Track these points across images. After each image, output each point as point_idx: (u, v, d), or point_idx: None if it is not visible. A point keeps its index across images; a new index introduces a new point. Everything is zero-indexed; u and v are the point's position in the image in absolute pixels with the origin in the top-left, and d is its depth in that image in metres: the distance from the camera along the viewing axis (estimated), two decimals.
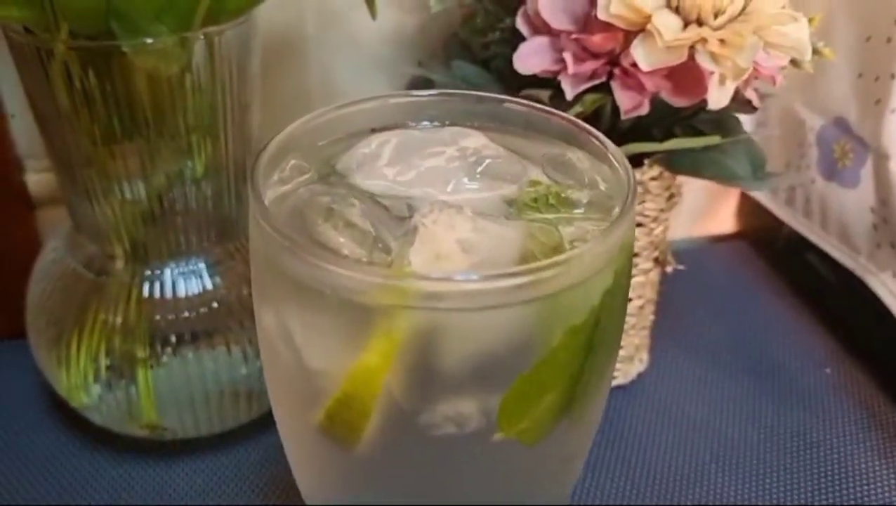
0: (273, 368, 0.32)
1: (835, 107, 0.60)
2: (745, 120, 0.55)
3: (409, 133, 0.34)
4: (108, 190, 0.49)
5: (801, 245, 0.69)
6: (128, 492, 0.54)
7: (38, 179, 0.60)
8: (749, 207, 0.76)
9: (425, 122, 0.36)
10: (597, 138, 0.33)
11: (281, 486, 0.55)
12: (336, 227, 0.29)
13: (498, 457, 0.30)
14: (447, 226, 0.29)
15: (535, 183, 0.32)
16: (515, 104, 0.36)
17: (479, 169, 0.32)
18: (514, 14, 0.49)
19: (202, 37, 0.44)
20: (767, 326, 0.69)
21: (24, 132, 0.59)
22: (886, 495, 0.55)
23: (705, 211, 0.77)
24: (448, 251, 0.28)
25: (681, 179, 0.57)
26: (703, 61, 0.43)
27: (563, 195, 0.31)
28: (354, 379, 0.28)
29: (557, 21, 0.47)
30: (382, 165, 0.33)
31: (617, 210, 0.31)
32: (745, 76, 0.44)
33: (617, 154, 0.32)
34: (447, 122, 0.36)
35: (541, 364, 0.28)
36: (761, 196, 0.70)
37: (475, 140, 0.33)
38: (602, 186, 0.32)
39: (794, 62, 0.53)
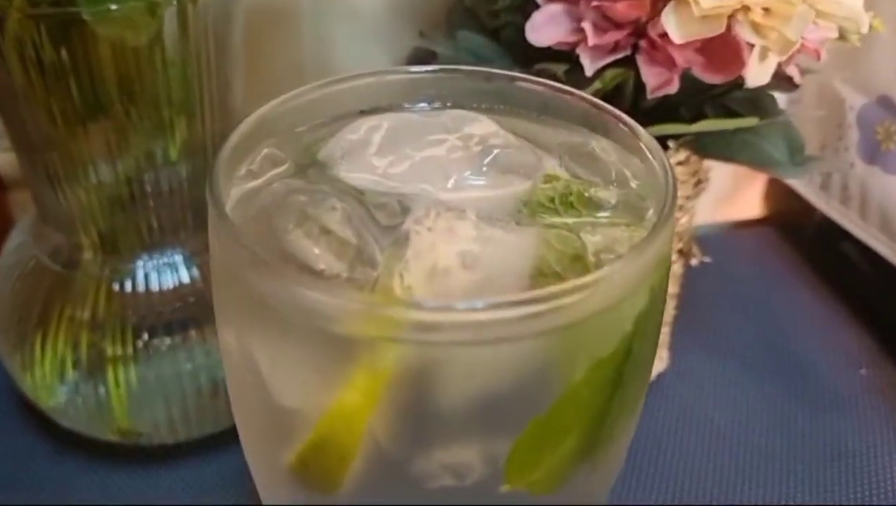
0: (238, 397, 0.27)
1: (879, 84, 0.55)
2: (777, 98, 0.50)
3: (403, 117, 0.29)
4: (73, 175, 0.45)
5: (835, 233, 0.64)
6: (101, 501, 0.50)
7: (7, 158, 0.55)
8: (778, 191, 0.71)
9: (423, 104, 0.31)
10: (626, 125, 0.28)
11: None
12: (310, 234, 0.24)
13: None
14: (446, 234, 0.24)
15: (551, 178, 0.27)
16: (530, 83, 0.30)
17: (486, 161, 0.27)
18: None
19: (174, 3, 0.39)
20: (797, 322, 0.64)
21: None
22: None
23: (730, 194, 0.72)
24: (447, 266, 0.23)
25: (709, 163, 0.52)
26: (744, 33, 0.37)
27: (586, 194, 0.26)
28: (332, 420, 0.23)
29: None
30: (371, 154, 0.28)
31: (651, 213, 0.26)
32: (793, 51, 0.38)
33: (651, 144, 0.27)
34: (449, 104, 0.30)
35: (559, 405, 0.23)
36: (793, 181, 0.65)
37: (482, 126, 0.28)
38: (633, 183, 0.27)
39: (840, 37, 0.47)
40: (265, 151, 0.28)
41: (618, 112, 0.28)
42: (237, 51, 0.46)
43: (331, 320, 0.21)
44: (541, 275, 0.24)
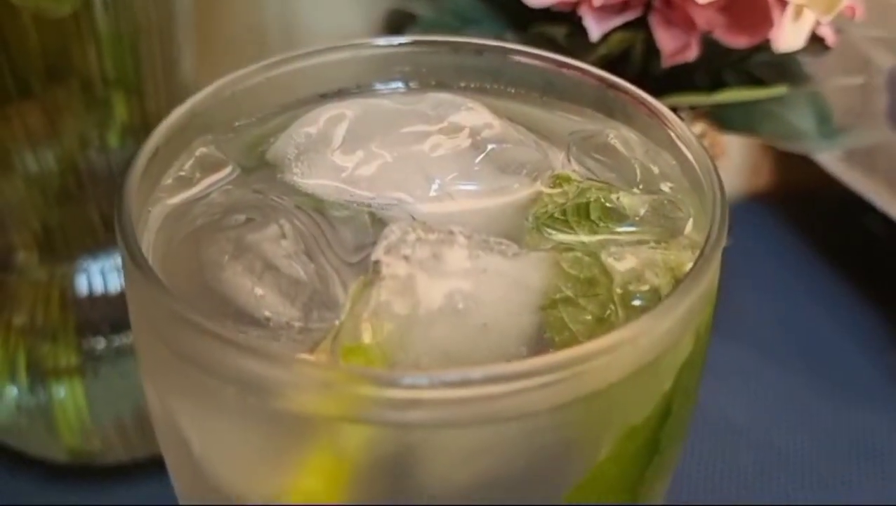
0: (171, 460, 0.21)
1: None
2: None
3: (373, 104, 0.23)
4: (5, 162, 0.39)
5: (857, 206, 0.59)
6: None
7: None
8: (796, 162, 0.66)
9: (398, 84, 0.25)
10: (653, 110, 0.22)
11: None
12: (252, 269, 0.18)
13: None
14: (430, 264, 0.18)
15: (562, 180, 0.22)
16: (530, 57, 0.24)
17: (478, 159, 0.22)
18: None
19: None
20: (819, 304, 0.59)
21: None
22: None
23: (744, 164, 0.67)
24: (432, 312, 0.17)
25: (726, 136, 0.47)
26: None
27: (608, 204, 0.20)
28: None
29: None
30: (333, 152, 0.22)
31: (691, 225, 0.20)
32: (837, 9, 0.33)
33: (687, 136, 0.21)
34: (431, 85, 0.25)
35: (581, 488, 0.17)
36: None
37: (471, 114, 0.22)
38: (663, 186, 0.21)
39: None
40: (199, 150, 0.22)
41: (642, 94, 0.23)
42: (186, 16, 0.40)
43: (278, 397, 0.16)
44: (550, 306, 0.19)
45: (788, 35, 0.35)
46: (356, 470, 0.17)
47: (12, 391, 0.44)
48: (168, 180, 0.21)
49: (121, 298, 0.43)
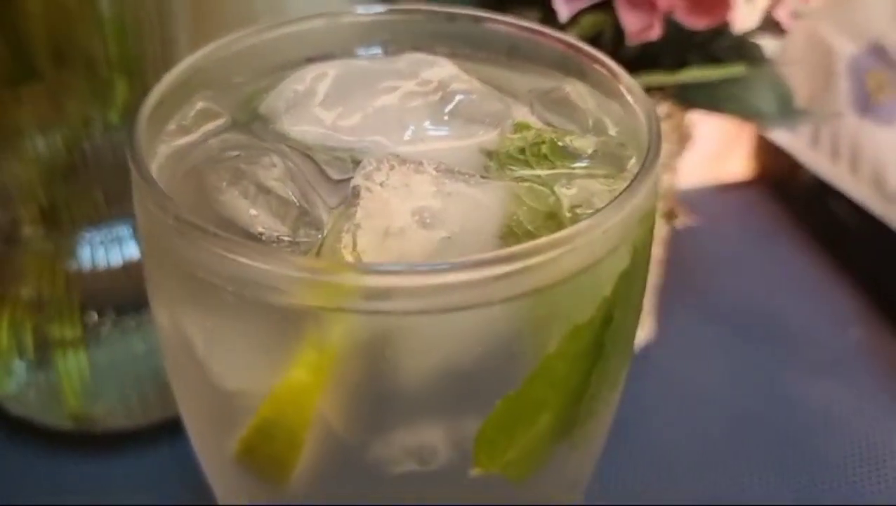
0: (177, 380, 0.24)
1: (870, 31, 0.52)
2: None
3: (354, 63, 0.26)
4: (7, 144, 0.42)
5: (824, 191, 0.61)
6: (58, 490, 0.48)
7: None
8: (766, 150, 0.68)
9: (377, 49, 0.28)
10: (605, 66, 0.25)
11: None
12: (247, 193, 0.21)
13: (477, 498, 0.22)
14: (402, 189, 0.21)
15: (522, 127, 0.24)
16: (497, 23, 0.27)
17: (448, 109, 0.24)
18: None
19: None
20: (787, 283, 0.61)
21: None
22: None
23: (717, 154, 0.69)
24: (403, 226, 0.20)
25: (693, 118, 0.49)
26: None
27: (560, 143, 0.23)
28: (277, 402, 0.20)
29: None
30: (318, 105, 0.25)
31: (633, 162, 0.23)
32: None
33: (633, 87, 0.24)
34: (407, 48, 0.27)
35: (532, 380, 0.20)
36: (780, 137, 0.63)
37: (441, 70, 0.25)
38: (612, 131, 0.24)
39: None
40: (199, 104, 0.25)
41: (596, 53, 0.26)
42: (181, 1, 0.43)
43: (270, 291, 0.18)
44: (511, 235, 0.21)
45: (743, 16, 0.38)
46: (337, 361, 0.19)
47: (19, 362, 0.46)
48: (171, 126, 0.24)
49: (122, 271, 0.45)
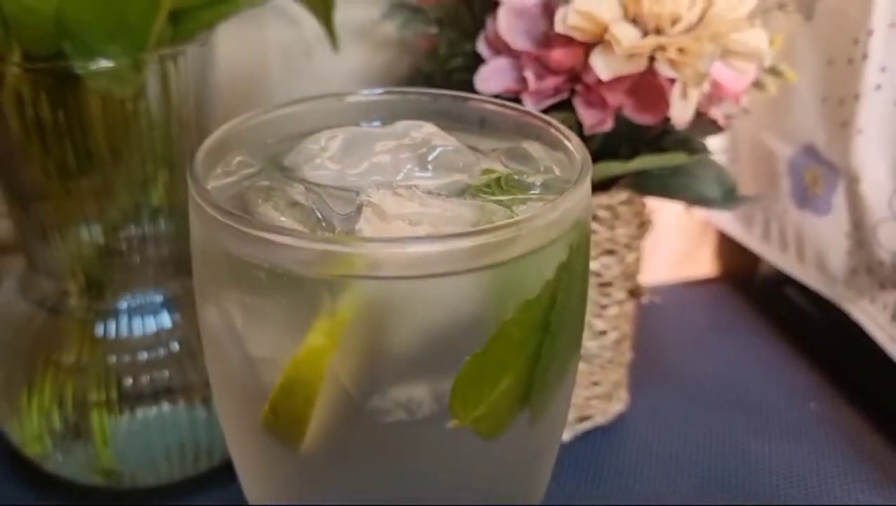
0: (217, 367, 0.30)
1: (803, 134, 0.60)
2: (717, 157, 0.55)
3: (359, 130, 0.33)
4: (63, 225, 0.48)
5: (779, 281, 0.68)
6: None
7: None
8: (727, 250, 0.76)
9: (377, 123, 0.35)
10: (552, 126, 0.32)
11: None
12: (277, 207, 0.27)
13: (454, 451, 0.28)
14: (395, 203, 0.27)
15: (489, 171, 0.31)
16: (470, 100, 0.35)
17: (431, 158, 0.31)
18: (475, 39, 0.49)
19: (157, 59, 0.44)
20: (750, 362, 0.67)
21: None
22: None
23: (684, 255, 0.76)
24: (395, 226, 0.26)
25: (652, 206, 0.56)
26: (663, 69, 0.42)
27: (516, 177, 0.30)
28: (298, 363, 0.26)
29: (518, 41, 0.47)
30: (329, 158, 0.32)
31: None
32: (707, 88, 0.44)
33: (572, 138, 0.31)
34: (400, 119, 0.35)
35: (494, 341, 0.26)
36: (737, 234, 0.70)
37: (426, 130, 0.32)
38: (557, 171, 0.31)
39: (757, 85, 0.53)
40: (237, 158, 0.32)
41: (548, 118, 0.33)
42: (213, 111, 0.50)
43: (294, 264, 0.25)
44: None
45: (680, 109, 0.45)
46: (345, 326, 0.26)
47: (57, 423, 0.51)
48: (217, 171, 0.31)
49: (151, 337, 0.51)
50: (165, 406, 0.51)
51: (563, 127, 0.32)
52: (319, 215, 0.27)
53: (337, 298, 0.25)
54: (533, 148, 0.32)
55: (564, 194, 0.27)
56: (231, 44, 0.51)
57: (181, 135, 0.48)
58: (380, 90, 0.35)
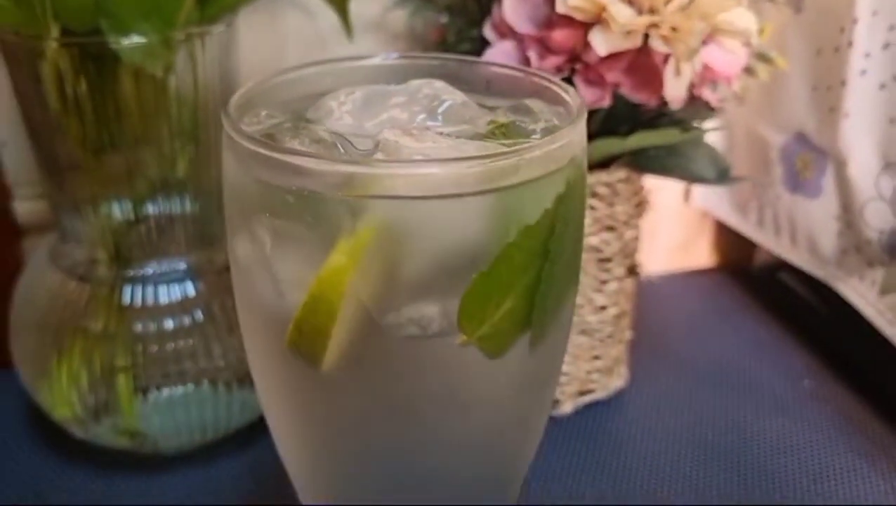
0: (245, 297, 0.33)
1: (794, 122, 0.63)
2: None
3: (375, 87, 0.36)
4: (94, 197, 0.51)
5: (774, 268, 0.71)
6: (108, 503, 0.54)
7: (27, 206, 0.62)
8: (725, 241, 0.78)
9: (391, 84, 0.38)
10: (553, 83, 0.35)
11: (269, 491, 0.55)
12: (303, 143, 0.30)
13: (461, 367, 0.31)
14: (410, 141, 0.30)
15: (493, 121, 0.34)
16: (476, 63, 0.38)
17: (441, 110, 0.34)
18: (481, 26, 0.53)
19: (185, 37, 0.47)
20: (745, 343, 0.70)
21: (15, 160, 0.61)
22: (865, 490, 0.55)
23: (683, 246, 0.79)
24: (409, 157, 0.29)
25: (650, 187, 0.59)
26: (657, 45, 0.45)
27: (519, 124, 0.33)
28: (321, 281, 0.29)
29: (521, 25, 0.50)
30: (349, 112, 0.35)
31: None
32: (698, 67, 0.47)
33: (569, 90, 0.34)
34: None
35: (497, 262, 0.29)
36: (734, 222, 0.72)
37: (437, 86, 0.35)
38: (556, 122, 0.34)
39: (748, 71, 0.56)
40: (263, 112, 0.35)
41: (548, 76, 0.36)
42: (235, 90, 0.53)
43: (319, 185, 0.28)
44: None
45: (673, 87, 0.48)
46: (366, 245, 0.28)
47: (84, 385, 0.54)
48: (245, 121, 0.34)
49: (176, 305, 0.53)
50: (189, 373, 0.54)
51: (561, 82, 0.35)
52: (342, 150, 0.30)
53: (357, 220, 0.28)
54: (534, 103, 0.35)
55: (561, 130, 0.30)
56: (251, 34, 0.55)
57: (206, 112, 0.51)
58: (395, 54, 0.38)
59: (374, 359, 0.30)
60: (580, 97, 0.33)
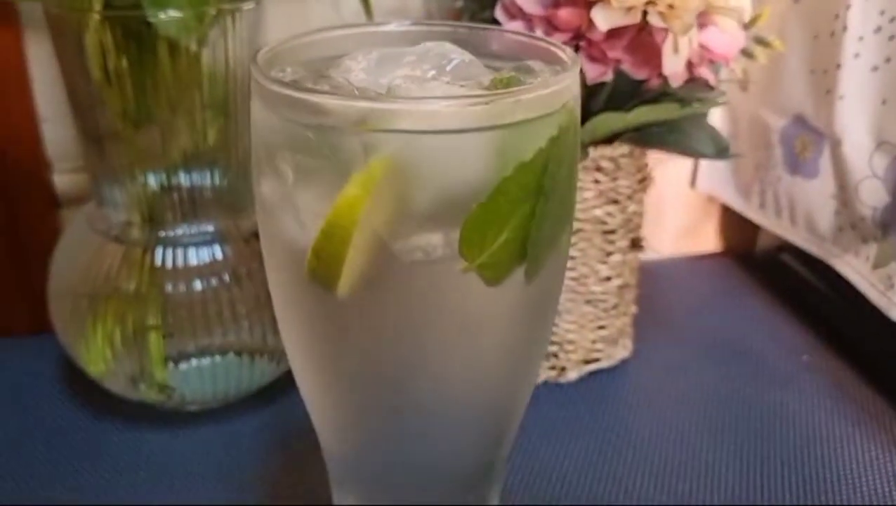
0: (269, 233, 0.36)
1: (793, 105, 0.66)
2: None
3: (390, 49, 0.40)
4: (131, 165, 0.55)
5: (776, 250, 0.73)
6: (135, 455, 0.57)
7: (65, 179, 0.66)
8: (729, 226, 0.81)
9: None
10: (553, 45, 0.39)
11: (292, 445, 0.58)
12: (324, 88, 0.34)
13: (463, 292, 0.34)
14: (421, 87, 0.34)
15: (497, 76, 0.37)
16: (484, 31, 0.41)
17: (449, 68, 0.38)
18: (493, 8, 0.56)
19: (216, 12, 0.51)
20: (748, 320, 0.72)
21: (55, 135, 0.65)
22: (860, 455, 0.58)
23: (688, 231, 0.82)
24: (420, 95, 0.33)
25: (652, 163, 0.62)
26: (655, 20, 0.49)
27: (521, 78, 0.36)
28: (337, 209, 0.32)
29: (530, 6, 0.53)
30: (364, 70, 0.38)
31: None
32: (695, 44, 0.50)
33: (567, 50, 0.37)
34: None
35: (495, 194, 0.32)
36: (738, 206, 0.75)
37: (445, 46, 0.38)
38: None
39: (746, 53, 0.59)
40: (288, 68, 0.38)
41: (549, 39, 0.39)
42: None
43: (336, 121, 0.31)
44: None
45: (671, 63, 0.51)
46: (378, 176, 0.32)
47: (117, 342, 0.57)
48: (271, 73, 0.37)
49: (205, 267, 0.57)
50: (217, 334, 0.57)
51: (560, 45, 0.38)
52: (360, 95, 0.34)
53: (370, 155, 0.32)
54: (535, 64, 0.39)
55: (556, 76, 0.33)
56: (278, 18, 0.58)
57: (235, 86, 0.55)
58: (408, 21, 0.41)
59: (385, 283, 0.34)
60: (574, 54, 0.36)
